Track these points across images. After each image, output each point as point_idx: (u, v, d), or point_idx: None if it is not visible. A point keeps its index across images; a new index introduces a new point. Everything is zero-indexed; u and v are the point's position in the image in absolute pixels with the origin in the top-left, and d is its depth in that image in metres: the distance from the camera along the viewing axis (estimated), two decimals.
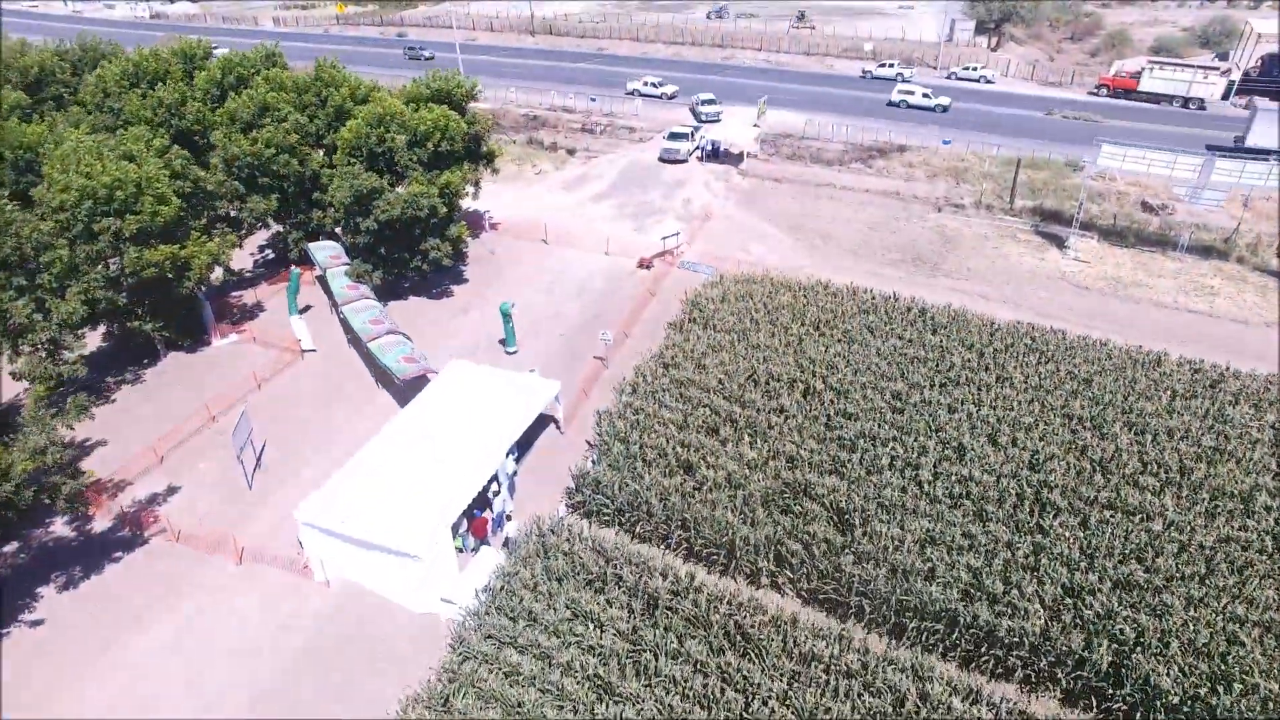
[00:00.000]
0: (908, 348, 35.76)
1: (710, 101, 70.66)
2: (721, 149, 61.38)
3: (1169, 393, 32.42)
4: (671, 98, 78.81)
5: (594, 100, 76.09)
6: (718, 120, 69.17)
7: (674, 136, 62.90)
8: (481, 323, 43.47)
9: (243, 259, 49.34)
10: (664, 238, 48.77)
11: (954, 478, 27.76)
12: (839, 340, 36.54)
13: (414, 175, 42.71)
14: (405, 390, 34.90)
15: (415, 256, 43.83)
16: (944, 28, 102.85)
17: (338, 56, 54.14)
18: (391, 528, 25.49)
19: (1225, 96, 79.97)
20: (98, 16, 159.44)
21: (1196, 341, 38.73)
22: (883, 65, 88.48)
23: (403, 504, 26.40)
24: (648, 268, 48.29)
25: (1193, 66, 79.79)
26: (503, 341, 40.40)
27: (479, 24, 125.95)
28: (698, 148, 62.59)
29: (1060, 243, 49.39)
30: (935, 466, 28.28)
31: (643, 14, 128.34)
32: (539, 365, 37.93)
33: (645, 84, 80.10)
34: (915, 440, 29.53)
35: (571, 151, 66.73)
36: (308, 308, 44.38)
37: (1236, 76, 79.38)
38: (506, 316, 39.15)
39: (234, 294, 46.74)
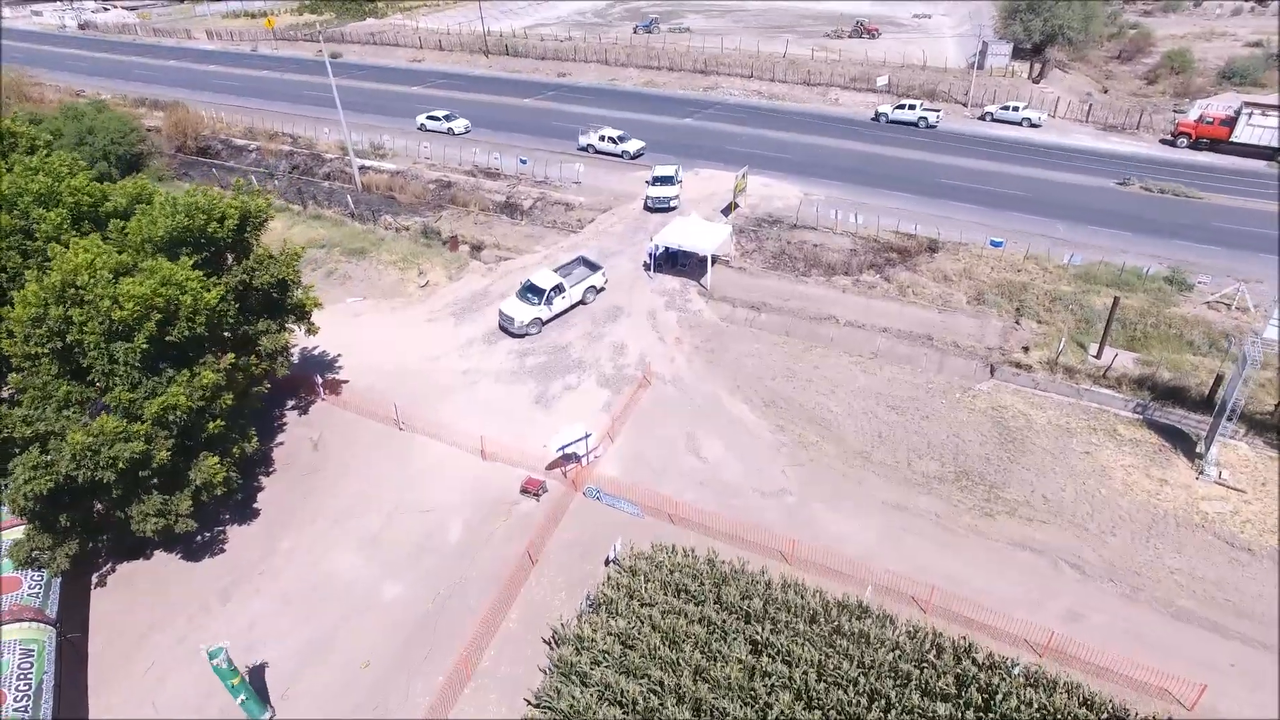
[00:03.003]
0: None
1: (665, 180, 51.98)
2: (680, 255, 43.23)
3: None
4: (636, 156, 61.08)
5: (524, 162, 58.16)
6: (670, 207, 50.91)
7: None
8: (248, 625, 25.95)
9: None
10: (561, 448, 30.83)
11: None
12: None
13: (115, 393, 24.84)
14: None
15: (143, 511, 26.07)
16: (973, 52, 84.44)
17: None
18: None
19: None
20: (14, 27, 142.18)
21: None
22: (900, 106, 70.17)
23: None
24: (537, 495, 30.56)
25: None
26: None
27: (427, 42, 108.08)
28: (649, 255, 44.49)
29: (1189, 446, 31.29)
30: None
31: (614, 30, 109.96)
32: None
33: (603, 138, 62.46)
34: None
35: (478, 249, 48.87)
36: None
37: None
38: (224, 676, 21.43)
39: None
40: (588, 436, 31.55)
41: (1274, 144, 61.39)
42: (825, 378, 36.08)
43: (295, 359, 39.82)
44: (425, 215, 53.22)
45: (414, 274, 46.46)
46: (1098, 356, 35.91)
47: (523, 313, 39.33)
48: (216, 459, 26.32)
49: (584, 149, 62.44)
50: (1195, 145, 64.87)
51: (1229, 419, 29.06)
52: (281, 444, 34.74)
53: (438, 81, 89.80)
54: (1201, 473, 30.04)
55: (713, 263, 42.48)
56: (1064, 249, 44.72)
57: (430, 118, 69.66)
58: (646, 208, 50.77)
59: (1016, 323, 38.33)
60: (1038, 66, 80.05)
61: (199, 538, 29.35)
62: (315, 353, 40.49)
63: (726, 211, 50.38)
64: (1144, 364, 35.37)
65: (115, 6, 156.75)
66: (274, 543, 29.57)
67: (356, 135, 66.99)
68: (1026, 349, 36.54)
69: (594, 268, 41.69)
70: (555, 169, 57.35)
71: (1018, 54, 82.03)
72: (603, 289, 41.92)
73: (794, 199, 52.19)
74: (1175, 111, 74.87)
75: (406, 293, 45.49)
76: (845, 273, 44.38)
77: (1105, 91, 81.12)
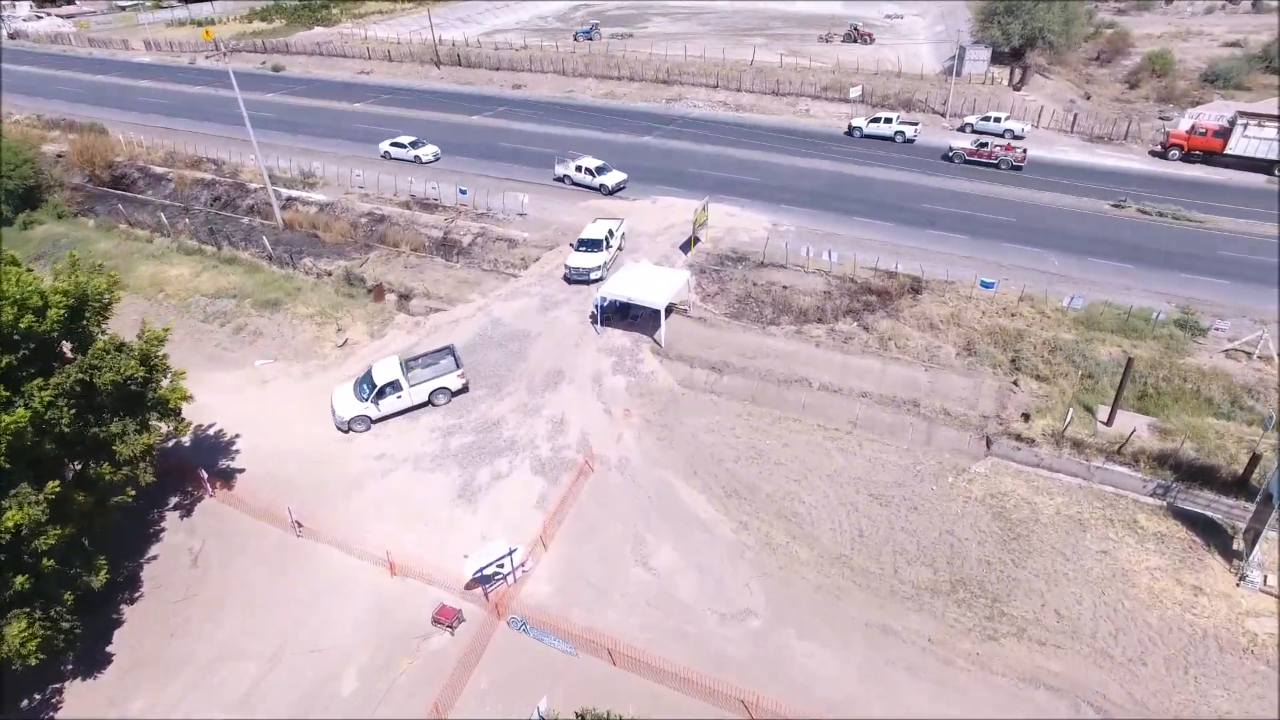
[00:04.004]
0: None
1: (591, 245, 42.85)
2: (635, 306, 37.84)
3: None
4: (614, 191, 54.13)
5: (464, 192, 52.60)
6: (590, 279, 41.77)
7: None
8: None
9: None
10: (478, 572, 25.50)
11: None
12: None
13: None
14: None
15: None
16: (949, 56, 79.89)
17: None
18: None
19: None
20: None
21: None
22: (876, 119, 65.31)
23: None
24: (451, 627, 25.22)
25: None
26: None
27: (376, 52, 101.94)
28: (597, 308, 39.06)
29: (1223, 540, 26.50)
30: None
31: (572, 38, 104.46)
32: None
33: (580, 169, 54.91)
34: None
35: (406, 297, 43.29)
36: None
37: None
38: None
39: None
40: (512, 553, 26.25)
41: (1272, 156, 57.15)
42: (796, 458, 30.94)
43: (188, 441, 34.49)
44: (351, 257, 47.53)
45: (332, 330, 40.79)
46: (1108, 423, 31.09)
47: (348, 407, 33.45)
48: (26, 624, 20.67)
49: (560, 179, 55.84)
50: (1188, 158, 60.71)
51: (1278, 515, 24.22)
52: (154, 558, 29.22)
53: (382, 97, 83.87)
54: (1243, 578, 25.28)
55: (668, 315, 37.22)
56: (1061, 287, 39.98)
57: (395, 144, 62.67)
58: (565, 278, 42.51)
59: (1014, 383, 33.38)
60: (1018, 72, 75.59)
61: (25, 702, 23.67)
62: (210, 432, 35.00)
63: (686, 247, 45.20)
64: (1161, 432, 30.59)
65: (49, 14, 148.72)
66: (124, 703, 23.98)
67: (287, 160, 61.21)
68: (1027, 416, 31.65)
69: (457, 364, 34.58)
70: (499, 199, 51.81)
71: (996, 58, 77.55)
72: (460, 391, 34.76)
73: (761, 231, 47.10)
74: (1161, 119, 70.87)
75: (322, 353, 39.89)
76: (819, 320, 39.33)
77: (1088, 98, 76.83)
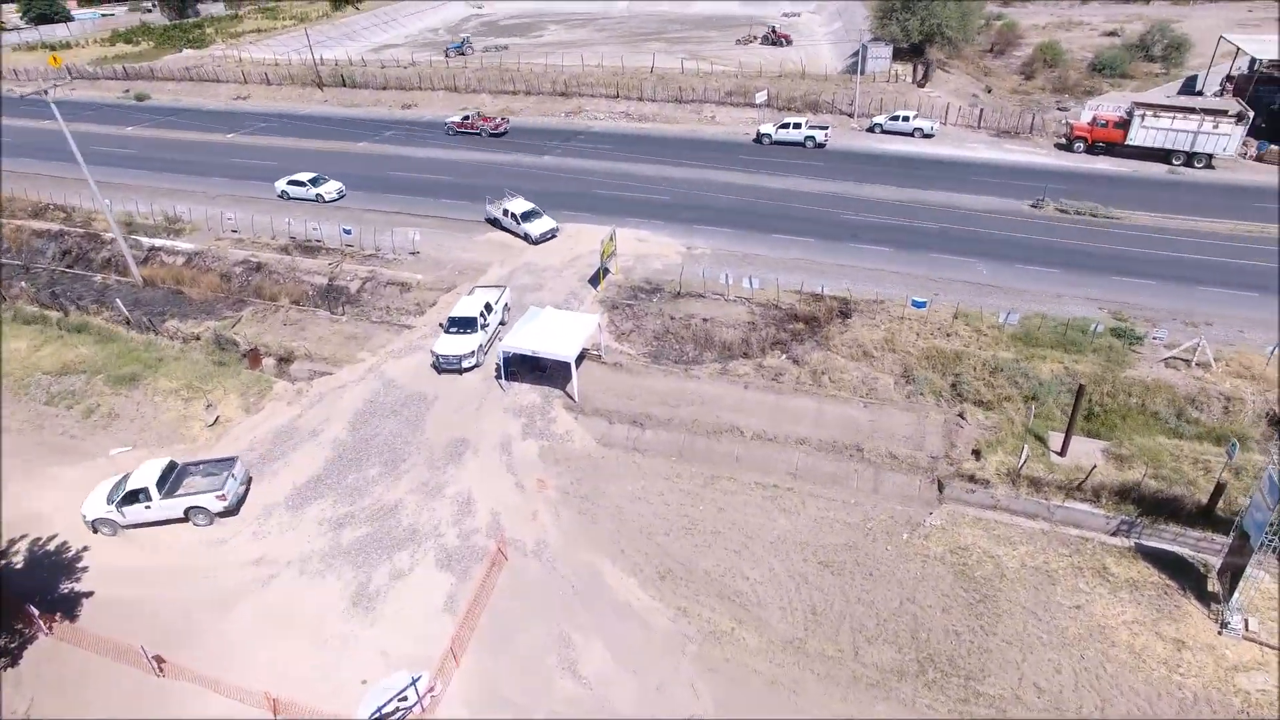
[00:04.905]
0: None
1: (464, 325, 36.04)
2: (544, 359, 33.71)
3: None
4: (541, 240, 46.88)
5: (348, 232, 47.63)
6: (462, 368, 35.67)
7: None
8: None
9: None
10: (376, 711, 21.25)
11: None
12: None
13: None
14: None
15: None
16: (850, 54, 78.68)
17: None
18: None
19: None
20: None
21: None
22: (784, 125, 63.11)
23: None
24: None
25: (1196, 110, 57.30)
26: None
27: (253, 75, 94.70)
28: (501, 363, 34.86)
29: (1196, 580, 24.49)
30: None
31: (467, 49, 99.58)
32: None
33: (506, 213, 47.87)
34: None
35: (287, 360, 38.32)
36: None
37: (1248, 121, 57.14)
38: None
39: None
40: (415, 681, 22.05)
41: (1169, 145, 57.45)
42: (734, 525, 27.68)
43: (20, 563, 29.08)
44: (223, 315, 42.17)
45: (201, 406, 35.50)
46: (1062, 453, 28.93)
47: (94, 507, 29.33)
48: None
49: (491, 221, 49.64)
50: (1091, 149, 60.69)
51: (1259, 556, 22.17)
52: None
53: (258, 125, 77.41)
54: (1224, 625, 23.20)
55: (579, 363, 33.48)
56: (993, 299, 38.13)
57: (292, 182, 56.12)
58: (433, 366, 35.87)
59: (960, 415, 30.93)
60: (920, 69, 74.75)
61: None
62: (50, 547, 29.47)
63: (595, 281, 41.60)
64: (1117, 458, 28.63)
65: None
66: None
67: (149, 205, 54.86)
68: (978, 453, 29.24)
69: (234, 481, 29.33)
70: (387, 236, 47.08)
71: (898, 55, 76.71)
72: (227, 513, 29.39)
73: (675, 256, 43.93)
74: (1060, 109, 71.36)
75: (190, 434, 34.62)
76: (745, 354, 36.33)
77: (989, 91, 76.72)
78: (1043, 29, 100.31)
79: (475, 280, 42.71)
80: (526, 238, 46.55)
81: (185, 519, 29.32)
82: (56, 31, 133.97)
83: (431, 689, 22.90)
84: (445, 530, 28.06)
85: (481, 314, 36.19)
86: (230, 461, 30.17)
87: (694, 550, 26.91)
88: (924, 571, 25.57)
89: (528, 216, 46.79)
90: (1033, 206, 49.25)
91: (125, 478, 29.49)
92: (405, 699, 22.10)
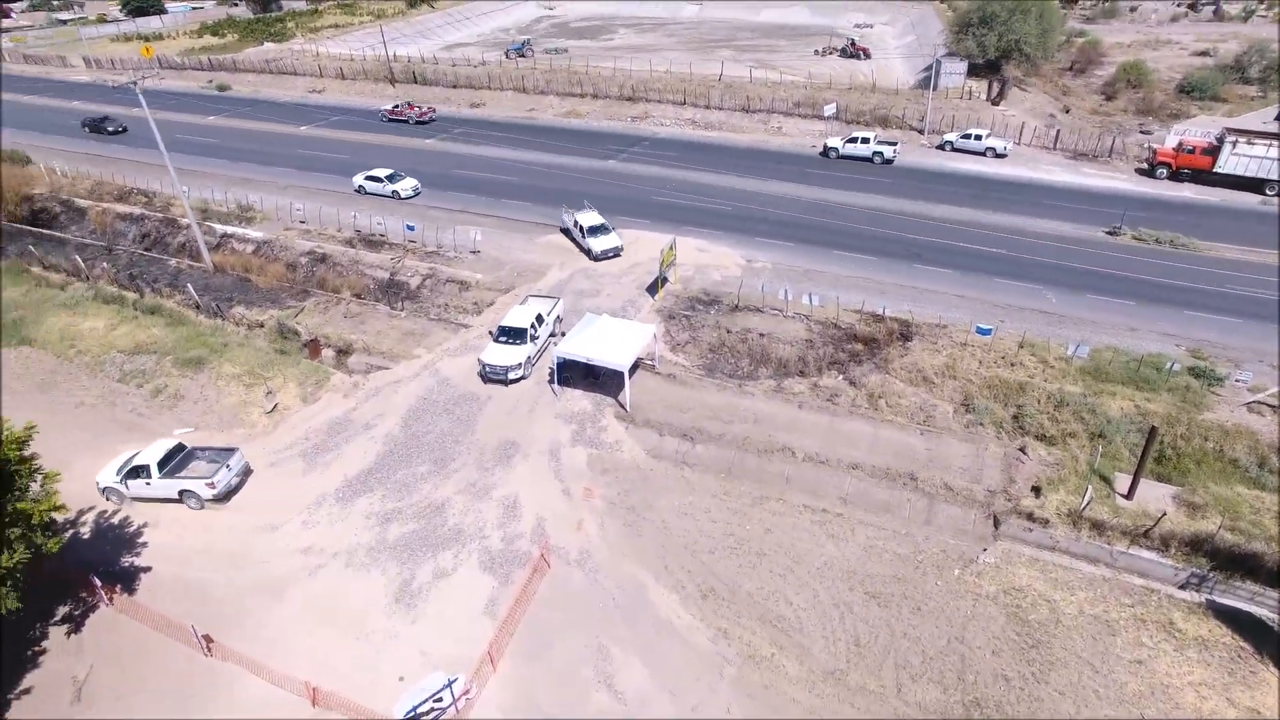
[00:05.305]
0: None
1: (514, 336, 35.49)
2: (598, 367, 33.58)
3: None
4: (602, 258, 45.21)
5: (411, 228, 48.36)
6: (508, 377, 35.01)
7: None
8: None
9: None
10: (410, 711, 21.37)
11: None
12: None
13: None
14: None
15: None
16: (923, 68, 77.07)
17: None
18: None
19: None
20: None
21: None
22: (852, 139, 62.09)
23: None
24: None
25: None
26: None
27: (329, 70, 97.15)
28: (555, 367, 34.99)
29: (1272, 642, 23.05)
30: None
31: (538, 48, 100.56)
32: None
33: (576, 226, 46.69)
34: None
35: (345, 353, 39.04)
36: None
37: None
38: None
39: None
40: (451, 684, 22.12)
41: (1263, 175, 54.70)
42: (781, 547, 27.16)
43: (87, 534, 30.12)
44: (286, 304, 43.19)
45: (261, 393, 36.38)
46: (1129, 496, 27.66)
47: (106, 475, 30.61)
48: None
49: (564, 230, 48.67)
50: (1176, 176, 58.13)
51: None
52: (28, 691, 24.63)
53: (331, 119, 79.37)
54: None
55: (633, 372, 33.32)
56: (1062, 330, 36.81)
57: (370, 178, 56.82)
58: (480, 375, 35.42)
59: (1021, 450, 29.84)
60: (996, 86, 72.82)
61: None
62: (115, 520, 30.46)
63: (653, 290, 41.42)
64: (1189, 506, 27.22)
65: None
66: None
67: (223, 193, 56.60)
68: (1038, 490, 28.14)
69: (229, 471, 30.35)
70: (449, 234, 47.67)
71: (972, 71, 74.83)
72: (221, 497, 30.32)
73: (735, 268, 43.51)
74: (1142, 133, 68.71)
75: (250, 420, 35.49)
76: (800, 373, 35.70)
77: (1067, 111, 74.32)
78: (1128, 48, 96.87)
79: (534, 282, 42.93)
80: (588, 252, 45.37)
81: (180, 500, 30.52)
82: (151, 24, 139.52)
83: (466, 692, 22.96)
84: (490, 533, 28.14)
85: (533, 325, 35.76)
86: (231, 452, 31.20)
87: (738, 570, 26.49)
88: (975, 610, 24.71)
89: (593, 231, 45.39)
90: (1109, 234, 47.42)
91: (135, 454, 30.84)
92: (440, 700, 22.18)
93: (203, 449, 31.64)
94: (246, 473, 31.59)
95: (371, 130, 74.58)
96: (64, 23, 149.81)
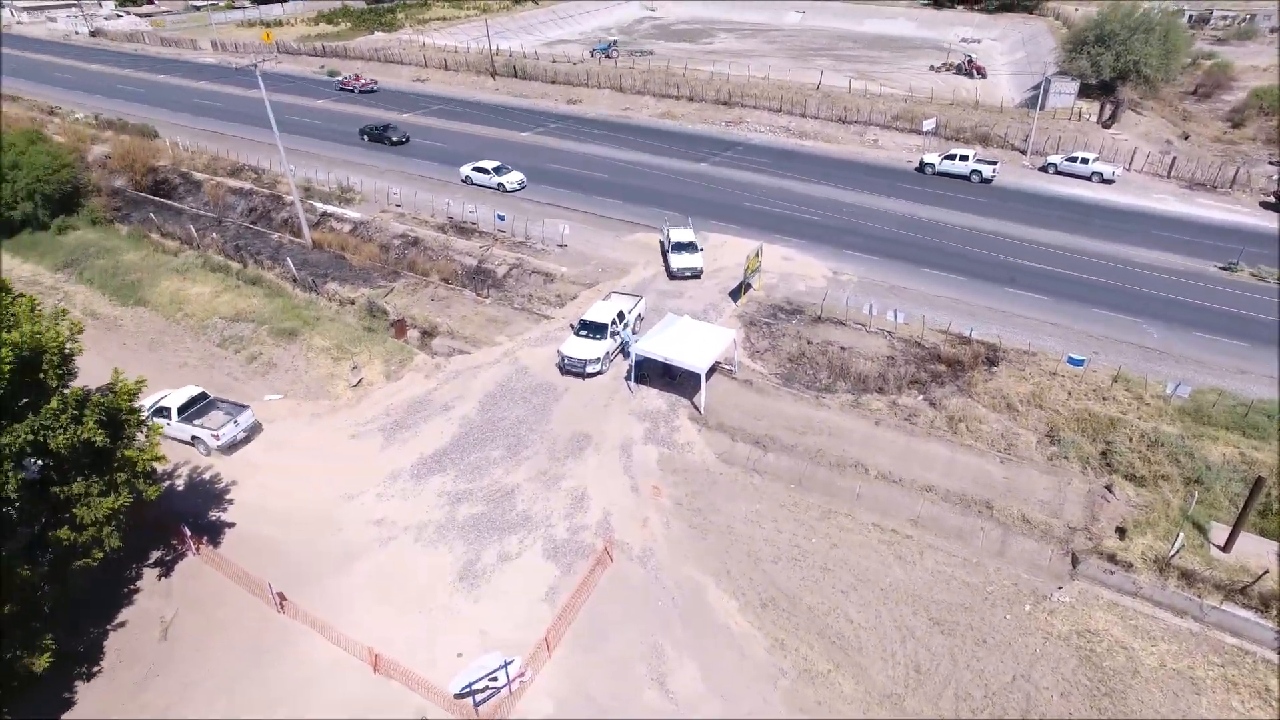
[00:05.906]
0: None
1: (594, 331, 36.02)
2: (675, 367, 33.70)
3: None
4: (677, 275, 43.65)
5: (502, 218, 49.47)
6: (585, 370, 35.55)
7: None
8: None
9: None
10: (467, 687, 21.89)
11: None
12: None
13: None
14: None
15: None
16: (1031, 87, 74.33)
17: None
18: None
19: None
20: (28, 34, 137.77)
21: None
22: (950, 156, 60.47)
23: None
24: None
25: None
26: None
27: (433, 60, 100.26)
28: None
29: None
30: None
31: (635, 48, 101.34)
32: None
33: (668, 237, 45.21)
34: None
35: (429, 334, 40.28)
36: None
37: None
38: None
39: None
40: (507, 664, 22.57)
41: None
42: (845, 564, 26.71)
43: (181, 485, 31.94)
44: (377, 284, 44.75)
45: (347, 367, 37.86)
46: (1225, 548, 26.12)
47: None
48: None
49: (661, 243, 46.95)
50: None
51: None
52: (123, 625, 26.34)
53: (433, 107, 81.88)
54: None
55: (709, 375, 33.30)
56: (1162, 367, 35.01)
57: (477, 169, 57.54)
58: (558, 366, 35.94)
59: (1108, 488, 28.55)
60: (1109, 108, 69.69)
61: None
62: (206, 476, 32.26)
63: (736, 294, 41.28)
64: None
65: (129, 13, 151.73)
66: None
67: (326, 173, 59.08)
68: (1123, 531, 26.87)
69: (235, 427, 32.92)
70: (538, 227, 48.57)
71: (1084, 92, 71.81)
72: (226, 448, 32.91)
73: (820, 279, 42.95)
74: (1271, 163, 64.56)
75: (334, 393, 36.97)
76: (879, 389, 35.00)
77: (1186, 138, 70.53)
78: (1263, 72, 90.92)
79: (618, 280, 43.34)
80: (667, 267, 44.13)
81: (192, 444, 32.99)
82: (273, 10, 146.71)
83: (521, 674, 23.37)
84: (556, 522, 28.57)
85: (614, 321, 36.10)
86: (243, 409, 33.57)
87: (800, 583, 26.18)
88: (1044, 649, 23.78)
89: (678, 247, 43.71)
90: (1223, 269, 44.85)
91: (165, 395, 33.63)
92: (495, 680, 22.63)
93: (221, 400, 34.18)
94: (254, 430, 33.81)
95: (466, 120, 76.48)
96: (198, 8, 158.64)
